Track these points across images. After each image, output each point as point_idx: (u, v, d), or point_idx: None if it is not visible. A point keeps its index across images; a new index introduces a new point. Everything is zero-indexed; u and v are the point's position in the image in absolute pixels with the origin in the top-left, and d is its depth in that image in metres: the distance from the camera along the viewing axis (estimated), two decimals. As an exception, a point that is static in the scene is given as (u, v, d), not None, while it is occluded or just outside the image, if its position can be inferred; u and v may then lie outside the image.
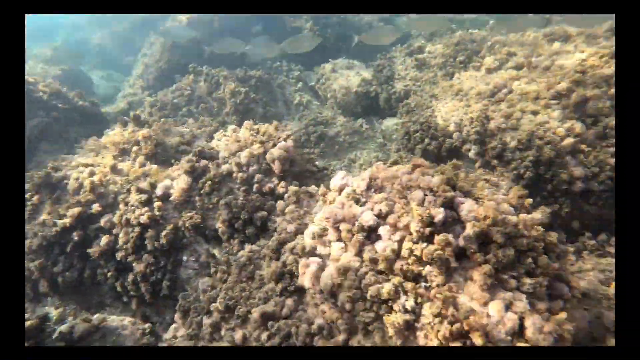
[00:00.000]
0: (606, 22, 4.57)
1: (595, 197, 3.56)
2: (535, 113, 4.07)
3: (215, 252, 3.83)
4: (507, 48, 5.53)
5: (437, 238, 2.25)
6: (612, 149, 3.59)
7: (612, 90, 3.79)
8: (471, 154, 4.32)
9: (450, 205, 2.43)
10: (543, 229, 2.25)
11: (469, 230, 2.25)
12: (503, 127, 4.13)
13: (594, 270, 3.35)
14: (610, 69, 3.85)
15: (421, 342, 2.14)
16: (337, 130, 7.42)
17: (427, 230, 2.30)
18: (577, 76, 4.00)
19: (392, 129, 7.22)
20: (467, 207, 2.35)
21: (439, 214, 2.33)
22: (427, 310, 2.12)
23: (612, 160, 3.52)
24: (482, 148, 4.18)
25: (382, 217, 2.55)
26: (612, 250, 3.52)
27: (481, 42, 6.90)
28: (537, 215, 2.38)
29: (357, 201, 2.70)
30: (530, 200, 2.53)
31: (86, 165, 4.35)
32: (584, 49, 4.26)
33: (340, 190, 2.87)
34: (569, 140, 3.67)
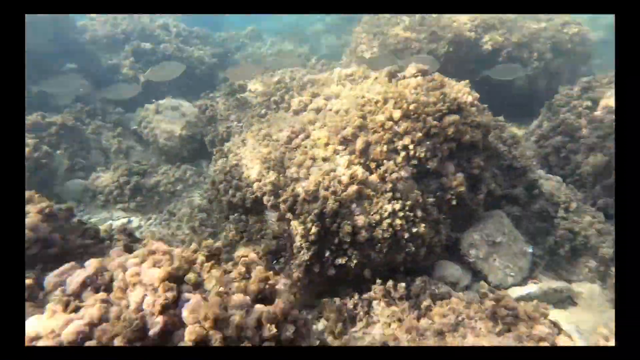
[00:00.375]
0: (387, 68, 4.84)
1: (379, 245, 3.54)
2: (325, 160, 4.01)
3: None
4: (312, 89, 5.57)
5: (145, 357, 1.80)
6: (390, 194, 3.65)
7: (388, 135, 3.91)
8: (269, 206, 4.08)
9: (176, 304, 2.01)
10: (275, 331, 1.95)
11: (187, 338, 1.85)
12: (295, 176, 3.99)
13: (379, 323, 3.29)
14: (383, 115, 3.97)
15: None
16: (158, 180, 6.72)
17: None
18: (359, 122, 4.06)
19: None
20: (190, 306, 1.96)
21: (156, 325, 1.89)
22: None
23: (390, 207, 3.56)
24: (276, 200, 3.96)
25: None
26: (398, 295, 3.53)
27: (299, 80, 6.97)
28: (280, 304, 2.09)
29: (67, 305, 2.13)
30: (276, 279, 2.25)
31: None
32: (364, 93, 4.39)
33: (55, 288, 2.26)
34: (353, 188, 3.63)
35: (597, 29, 13.58)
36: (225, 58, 11.05)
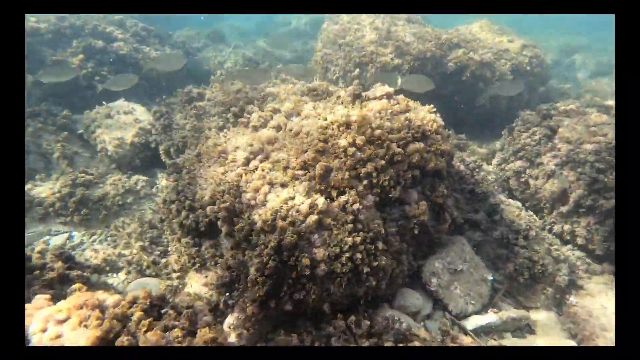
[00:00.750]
0: (351, 88, 4.68)
1: (339, 279, 3.36)
2: (284, 185, 3.79)
3: None
4: (272, 103, 5.33)
5: None
6: (351, 225, 3.48)
7: (350, 162, 3.74)
8: (223, 233, 3.80)
9: (102, 375, 1.73)
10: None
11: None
12: (252, 203, 3.74)
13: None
14: (345, 140, 3.80)
15: None
16: (105, 191, 6.25)
17: None
18: (320, 145, 3.87)
19: (171, 184, 6.40)
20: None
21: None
22: None
23: (350, 239, 3.38)
24: (231, 228, 3.69)
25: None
26: (360, 332, 3.36)
27: (260, 91, 6.69)
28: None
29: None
30: (224, 336, 2.01)
31: None
32: (327, 115, 4.21)
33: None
34: (312, 218, 3.42)
35: (550, 51, 14.19)
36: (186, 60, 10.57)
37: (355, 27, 8.47)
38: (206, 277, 4.13)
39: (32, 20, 7.75)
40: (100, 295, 2.11)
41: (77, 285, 2.29)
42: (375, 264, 3.44)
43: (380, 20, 8.42)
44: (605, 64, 13.03)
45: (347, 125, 3.96)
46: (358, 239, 3.38)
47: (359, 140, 3.81)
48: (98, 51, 8.33)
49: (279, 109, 5.17)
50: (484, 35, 8.52)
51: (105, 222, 6.02)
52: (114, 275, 4.90)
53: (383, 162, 3.75)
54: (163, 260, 5.13)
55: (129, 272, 4.86)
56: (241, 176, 4.01)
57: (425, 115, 4.14)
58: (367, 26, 8.34)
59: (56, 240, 5.48)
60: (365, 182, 3.73)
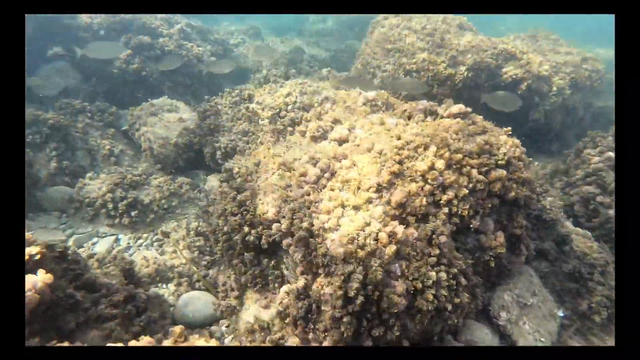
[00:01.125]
0: (423, 103, 4.44)
1: (420, 316, 3.14)
2: (356, 208, 3.58)
3: None
4: (333, 113, 5.12)
5: None
6: (434, 259, 3.26)
7: (428, 187, 3.51)
8: (296, 256, 3.54)
9: None
10: None
11: None
12: (326, 226, 3.53)
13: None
14: (424, 164, 3.57)
15: None
16: (153, 194, 6.13)
17: None
18: (396, 167, 3.64)
19: (217, 189, 6.27)
20: None
21: None
22: None
23: (434, 274, 3.16)
24: (307, 251, 3.44)
25: None
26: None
27: (312, 95, 6.48)
28: None
29: None
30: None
31: None
32: (400, 133, 3.97)
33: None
34: (392, 249, 3.21)
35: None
36: (225, 57, 10.45)
37: (405, 31, 8.18)
38: (266, 297, 3.97)
39: (84, 16, 7.72)
40: (198, 341, 1.94)
41: (178, 329, 2.12)
42: (458, 300, 3.22)
43: (432, 25, 8.11)
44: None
45: (425, 147, 3.72)
46: (443, 275, 3.16)
47: (439, 164, 3.58)
48: (144, 47, 8.23)
49: (339, 119, 4.97)
50: (540, 46, 8.14)
51: (151, 225, 5.92)
52: (164, 286, 4.78)
53: (466, 190, 3.52)
54: (211, 272, 4.99)
55: (179, 284, 4.73)
56: (309, 194, 3.82)
57: (507, 139, 3.88)
58: (418, 31, 8.04)
59: (104, 243, 5.39)
60: (445, 209, 3.51)
